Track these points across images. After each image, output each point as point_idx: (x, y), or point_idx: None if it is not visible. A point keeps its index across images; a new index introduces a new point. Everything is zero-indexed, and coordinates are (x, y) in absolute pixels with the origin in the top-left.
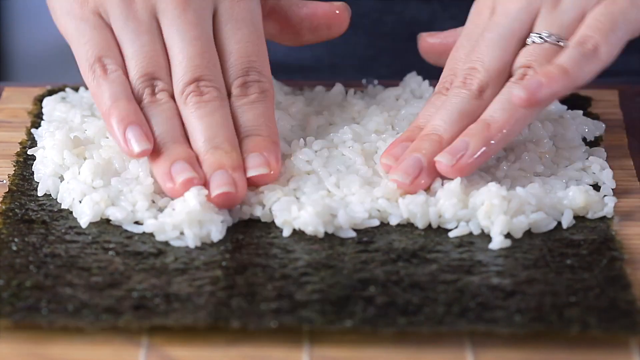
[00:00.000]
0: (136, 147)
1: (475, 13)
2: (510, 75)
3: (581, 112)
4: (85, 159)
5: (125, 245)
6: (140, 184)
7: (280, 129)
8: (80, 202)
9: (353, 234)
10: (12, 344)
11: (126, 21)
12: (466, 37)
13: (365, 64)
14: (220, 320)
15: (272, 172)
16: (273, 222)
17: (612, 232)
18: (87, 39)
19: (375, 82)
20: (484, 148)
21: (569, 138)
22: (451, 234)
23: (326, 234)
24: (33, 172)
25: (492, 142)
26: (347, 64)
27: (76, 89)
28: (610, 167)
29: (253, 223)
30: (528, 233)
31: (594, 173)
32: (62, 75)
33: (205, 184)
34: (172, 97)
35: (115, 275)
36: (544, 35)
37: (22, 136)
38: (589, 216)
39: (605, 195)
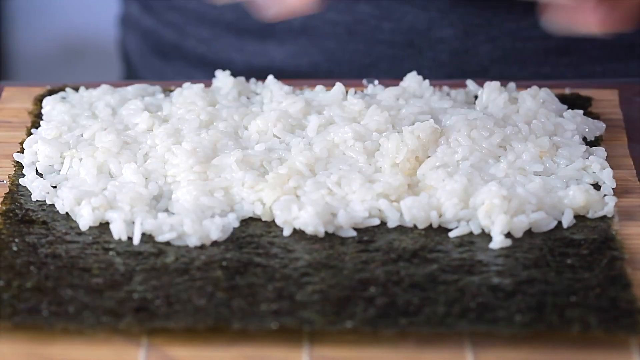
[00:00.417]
0: None
1: None
2: None
3: (581, 112)
4: (81, 160)
5: (126, 245)
6: (137, 186)
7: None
8: (79, 205)
9: (353, 234)
10: (12, 344)
11: None
12: None
13: (363, 71)
14: (221, 322)
15: None
16: (273, 221)
17: (612, 231)
18: None
19: (375, 82)
20: None
21: (569, 138)
22: (451, 234)
23: (327, 233)
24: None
25: None
26: (344, 70)
27: (76, 89)
28: (610, 167)
29: (253, 222)
30: (528, 232)
31: (594, 172)
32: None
33: None
34: None
35: (115, 276)
36: None
37: (22, 136)
38: (590, 215)
39: (605, 195)
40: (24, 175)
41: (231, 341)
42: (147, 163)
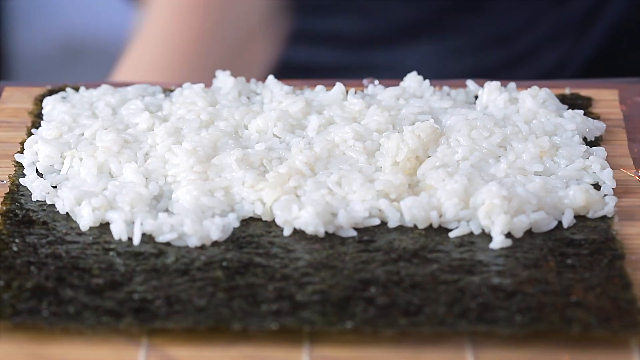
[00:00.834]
0: None
1: None
2: None
3: (581, 112)
4: (81, 160)
5: (126, 246)
6: (137, 186)
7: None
8: (79, 205)
9: (354, 233)
10: (12, 344)
11: None
12: None
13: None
14: (222, 322)
15: None
16: (274, 220)
17: (612, 231)
18: None
19: (376, 82)
20: None
21: (569, 138)
22: (452, 234)
23: (327, 233)
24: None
25: None
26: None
27: (76, 89)
28: (611, 167)
29: (254, 222)
30: (529, 232)
31: (595, 172)
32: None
33: None
34: None
35: (116, 277)
36: None
37: (22, 136)
38: (590, 215)
39: (605, 195)
40: (25, 175)
41: (231, 341)
42: (147, 163)
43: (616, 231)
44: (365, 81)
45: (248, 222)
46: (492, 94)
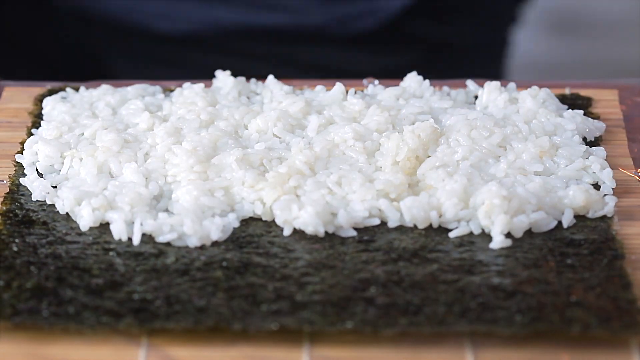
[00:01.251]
0: None
1: None
2: None
3: (581, 112)
4: (81, 159)
5: (126, 246)
6: (137, 186)
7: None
8: (79, 205)
9: (354, 233)
10: (12, 344)
11: None
12: None
13: None
14: (222, 322)
15: None
16: (274, 220)
17: (612, 231)
18: None
19: (376, 82)
20: None
21: (569, 138)
22: (452, 234)
23: (327, 233)
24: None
25: None
26: None
27: (76, 89)
28: (610, 167)
29: (254, 222)
30: (528, 232)
31: (594, 172)
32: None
33: None
34: None
35: (116, 277)
36: None
37: (22, 136)
38: (590, 215)
39: (605, 195)
40: (25, 175)
41: (231, 341)
42: (147, 163)
43: (616, 231)
44: (365, 81)
45: (248, 222)
46: (492, 94)
